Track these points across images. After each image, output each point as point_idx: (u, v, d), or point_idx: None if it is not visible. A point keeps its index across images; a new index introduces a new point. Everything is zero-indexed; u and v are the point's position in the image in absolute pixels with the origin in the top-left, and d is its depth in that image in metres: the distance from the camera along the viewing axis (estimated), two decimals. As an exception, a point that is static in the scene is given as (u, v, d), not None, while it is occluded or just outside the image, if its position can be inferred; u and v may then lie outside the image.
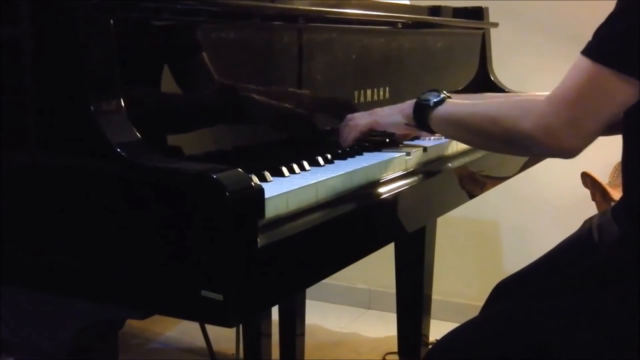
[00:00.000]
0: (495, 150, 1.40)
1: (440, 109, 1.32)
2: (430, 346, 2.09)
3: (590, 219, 1.43)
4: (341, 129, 1.44)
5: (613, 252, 1.21)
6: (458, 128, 1.32)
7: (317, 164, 1.25)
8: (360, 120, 1.42)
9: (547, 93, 1.16)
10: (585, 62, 1.11)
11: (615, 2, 1.14)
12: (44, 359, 1.06)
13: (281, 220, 1.02)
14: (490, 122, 1.22)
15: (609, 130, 1.15)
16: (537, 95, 1.25)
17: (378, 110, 1.43)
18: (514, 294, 1.31)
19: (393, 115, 1.41)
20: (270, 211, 1.00)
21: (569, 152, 1.13)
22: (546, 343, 1.14)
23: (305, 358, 2.17)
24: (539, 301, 1.21)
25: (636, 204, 1.20)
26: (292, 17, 1.34)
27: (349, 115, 1.44)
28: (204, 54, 1.16)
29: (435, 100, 1.33)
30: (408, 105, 1.38)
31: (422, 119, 1.34)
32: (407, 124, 1.38)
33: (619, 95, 1.09)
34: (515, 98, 1.28)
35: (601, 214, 1.41)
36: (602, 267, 1.21)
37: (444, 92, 1.34)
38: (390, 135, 1.48)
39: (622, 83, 1.08)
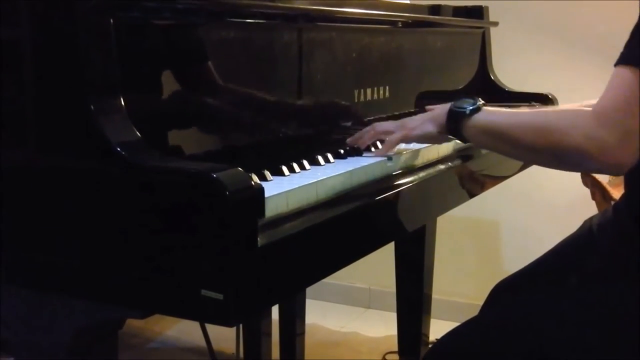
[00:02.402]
0: (542, 165, 1.26)
1: (478, 118, 1.25)
2: (430, 345, 2.10)
3: (591, 218, 1.43)
4: (368, 137, 1.39)
5: (614, 250, 1.21)
6: (499, 139, 1.24)
7: (317, 163, 1.25)
8: (393, 136, 1.35)
9: (592, 101, 1.12)
10: (628, 71, 1.07)
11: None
12: (44, 358, 1.06)
13: (281, 220, 1.02)
14: (534, 134, 1.16)
15: None
16: (581, 106, 1.22)
17: (408, 122, 1.36)
18: (513, 294, 1.31)
19: (424, 125, 1.34)
20: (271, 210, 1.00)
21: (623, 167, 1.10)
22: (545, 343, 1.14)
23: (305, 357, 2.17)
24: (538, 301, 1.21)
25: (638, 201, 1.19)
26: (292, 16, 1.34)
27: (376, 124, 1.39)
28: (204, 54, 1.16)
29: (471, 108, 1.26)
30: (440, 112, 1.32)
31: (456, 128, 1.28)
32: (439, 133, 1.32)
33: None
34: (560, 108, 1.22)
35: (602, 213, 1.41)
36: (602, 266, 1.21)
37: (480, 99, 1.28)
38: None
39: None
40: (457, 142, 1.41)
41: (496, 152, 1.32)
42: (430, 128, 1.33)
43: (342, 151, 1.34)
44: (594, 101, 1.28)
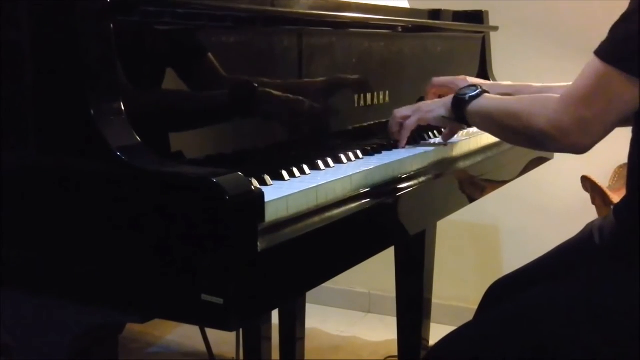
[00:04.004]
0: (521, 146, 1.45)
1: (475, 103, 1.37)
2: (430, 350, 2.09)
3: (592, 222, 1.43)
4: (392, 125, 1.50)
5: (614, 250, 1.22)
6: (488, 122, 1.36)
7: (317, 168, 1.25)
8: (410, 120, 1.46)
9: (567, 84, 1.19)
10: (596, 63, 1.14)
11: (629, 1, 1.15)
12: (44, 362, 1.06)
13: (281, 224, 1.02)
14: (512, 118, 1.27)
15: (623, 123, 1.19)
16: (556, 89, 1.35)
17: (423, 105, 1.48)
18: (510, 295, 1.31)
19: (437, 109, 1.45)
20: (271, 215, 1.00)
21: (579, 150, 1.17)
22: (544, 344, 1.14)
23: (305, 362, 2.17)
24: (536, 301, 1.21)
25: (635, 199, 1.20)
26: (292, 21, 1.34)
27: (395, 111, 1.49)
28: (204, 58, 1.16)
29: (471, 94, 1.38)
30: (449, 99, 1.43)
31: (459, 112, 1.39)
32: (447, 117, 1.43)
33: (627, 96, 1.11)
34: (536, 95, 1.33)
35: (602, 217, 1.41)
36: (601, 266, 1.21)
37: (481, 87, 1.39)
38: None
39: (629, 84, 1.10)
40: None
41: (491, 134, 1.44)
42: (442, 112, 1.44)
43: (342, 156, 1.34)
44: None
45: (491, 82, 1.73)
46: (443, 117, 1.44)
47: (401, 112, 1.49)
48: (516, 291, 1.31)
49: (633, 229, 1.20)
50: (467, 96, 1.38)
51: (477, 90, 1.38)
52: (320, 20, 1.41)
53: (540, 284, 1.27)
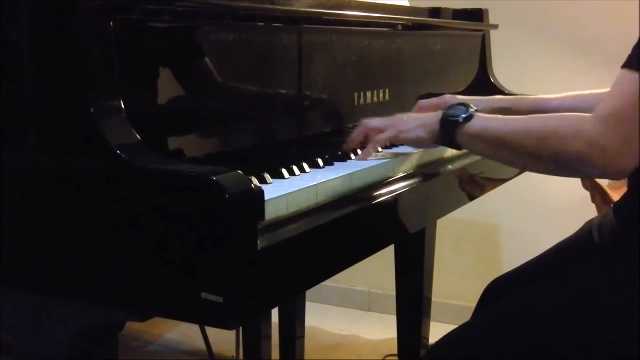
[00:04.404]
0: (541, 172, 1.24)
1: (472, 125, 1.23)
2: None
3: (591, 220, 1.43)
4: (356, 135, 1.36)
5: (613, 248, 1.21)
6: (496, 147, 1.22)
7: (317, 166, 1.25)
8: (381, 136, 1.33)
9: (588, 92, 1.09)
10: (631, 76, 1.07)
11: None
12: (44, 361, 1.06)
13: (281, 223, 1.02)
14: (537, 142, 1.15)
15: None
16: (554, 101, 1.21)
17: (399, 122, 1.33)
18: (509, 293, 1.31)
19: (416, 130, 1.30)
20: (270, 213, 1.00)
21: (623, 172, 1.09)
22: (544, 342, 1.14)
23: (305, 360, 2.18)
24: (536, 300, 1.21)
25: (636, 198, 1.19)
26: (292, 19, 1.34)
27: (365, 122, 1.36)
28: (204, 56, 1.16)
29: (464, 115, 1.24)
30: (433, 120, 1.28)
31: (449, 137, 1.26)
32: (431, 140, 1.30)
33: None
34: (558, 115, 1.19)
35: (602, 216, 1.41)
36: (600, 265, 1.21)
37: (472, 106, 1.26)
38: None
39: None
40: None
41: (493, 159, 1.30)
42: (422, 134, 1.30)
43: (342, 154, 1.34)
44: (590, 92, 1.28)
45: (480, 97, 1.57)
46: (429, 139, 1.29)
47: (372, 123, 1.34)
48: (515, 289, 1.30)
49: (633, 227, 1.20)
50: (461, 118, 1.24)
51: (470, 111, 1.24)
52: (321, 19, 1.41)
53: (539, 282, 1.26)
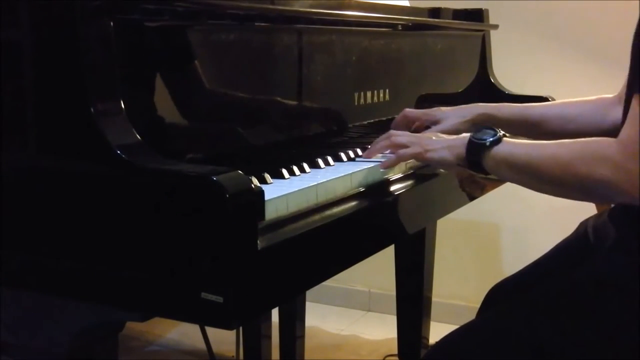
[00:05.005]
0: (568, 197, 1.21)
1: (500, 150, 1.21)
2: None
3: (586, 220, 1.43)
4: (380, 146, 1.34)
5: (610, 256, 1.21)
6: (522, 172, 1.21)
7: (317, 166, 1.25)
8: (405, 151, 1.30)
9: (580, 99, 1.09)
10: None
11: None
12: (44, 361, 1.06)
13: (281, 222, 1.02)
14: (563, 170, 1.13)
15: None
16: (583, 102, 1.20)
17: (425, 140, 1.30)
18: (509, 297, 1.31)
19: (441, 151, 1.27)
20: (270, 213, 1.00)
21: None
22: (543, 346, 1.14)
23: (305, 360, 2.18)
24: (535, 305, 1.20)
25: (633, 208, 1.19)
26: (292, 19, 1.34)
27: (393, 134, 1.34)
28: (204, 56, 1.16)
29: (491, 139, 1.21)
30: (459, 143, 1.26)
31: (476, 160, 1.23)
32: (456, 163, 1.26)
33: None
34: (585, 140, 1.14)
35: (596, 216, 1.41)
36: (599, 270, 1.21)
37: (500, 130, 1.23)
38: None
39: None
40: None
41: (519, 184, 1.27)
42: (448, 156, 1.27)
43: (342, 154, 1.34)
44: (576, 100, 1.27)
45: (465, 105, 1.53)
46: (455, 162, 1.26)
47: (398, 138, 1.32)
48: (516, 293, 1.30)
49: (629, 234, 1.19)
50: (488, 142, 1.21)
51: (498, 135, 1.22)
52: (320, 18, 1.41)
53: (539, 287, 1.26)
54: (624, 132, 1.07)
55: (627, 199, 1.09)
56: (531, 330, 1.16)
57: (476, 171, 1.26)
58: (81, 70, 0.95)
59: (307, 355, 2.19)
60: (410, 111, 1.51)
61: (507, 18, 2.25)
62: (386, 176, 1.30)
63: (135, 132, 0.96)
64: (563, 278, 1.24)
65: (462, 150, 1.25)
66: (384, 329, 2.68)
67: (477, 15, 2.03)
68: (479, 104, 1.52)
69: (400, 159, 1.31)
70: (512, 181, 1.28)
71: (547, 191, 1.23)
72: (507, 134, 1.24)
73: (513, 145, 1.21)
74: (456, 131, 1.39)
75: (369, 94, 1.54)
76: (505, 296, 1.38)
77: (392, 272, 2.11)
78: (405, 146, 1.30)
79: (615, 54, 1.12)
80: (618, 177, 1.06)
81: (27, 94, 1.00)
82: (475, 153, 1.23)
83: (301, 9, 1.37)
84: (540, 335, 1.15)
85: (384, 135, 1.35)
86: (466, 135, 1.26)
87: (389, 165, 1.31)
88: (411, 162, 1.38)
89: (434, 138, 1.31)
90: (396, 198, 1.24)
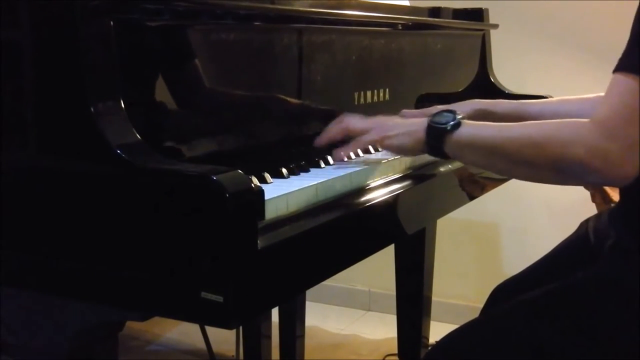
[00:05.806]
0: (540, 180, 1.18)
1: (462, 133, 1.17)
2: (430, 348, 2.10)
3: (586, 221, 1.42)
4: (334, 132, 1.30)
5: (609, 258, 1.21)
6: (489, 155, 1.16)
7: (318, 166, 1.25)
8: (365, 137, 1.26)
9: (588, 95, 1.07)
10: (629, 79, 1.04)
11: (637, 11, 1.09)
12: (44, 360, 1.06)
13: (281, 222, 1.02)
14: (534, 148, 1.10)
15: None
16: (579, 100, 1.19)
17: (382, 125, 1.26)
18: (511, 298, 1.31)
19: (400, 137, 1.23)
20: (270, 213, 1.00)
21: (627, 179, 1.04)
22: (544, 346, 1.14)
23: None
24: (536, 305, 1.21)
25: (633, 209, 1.19)
26: (292, 19, 1.34)
27: (346, 120, 1.29)
28: (204, 56, 1.16)
29: (452, 122, 1.17)
30: (418, 127, 1.22)
31: (436, 145, 1.19)
32: (416, 148, 1.23)
33: None
34: (555, 121, 1.13)
35: (596, 216, 1.41)
36: (599, 271, 1.21)
37: (458, 113, 1.19)
38: None
39: None
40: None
41: (485, 169, 1.23)
42: (407, 142, 1.23)
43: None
44: (575, 97, 1.26)
45: (458, 103, 1.50)
46: (414, 147, 1.23)
47: (354, 123, 1.27)
48: (517, 294, 1.30)
49: (629, 237, 1.19)
50: (449, 125, 1.17)
51: (457, 117, 1.17)
52: (321, 18, 1.40)
53: (539, 288, 1.26)
54: (600, 111, 1.05)
55: (601, 179, 1.08)
56: (531, 330, 1.16)
57: (437, 157, 1.23)
58: (81, 70, 0.95)
59: (307, 355, 2.19)
60: (407, 112, 1.51)
61: (507, 18, 2.25)
62: (386, 176, 1.30)
63: (135, 131, 0.96)
64: (563, 278, 1.25)
65: (421, 135, 1.21)
66: (384, 329, 2.68)
67: (477, 15, 2.03)
68: (476, 100, 1.51)
69: (357, 146, 1.27)
70: (477, 165, 1.25)
71: (517, 174, 1.19)
72: (467, 117, 1.21)
73: (476, 128, 1.17)
74: None
75: (369, 93, 1.54)
76: (508, 297, 1.38)
77: (392, 271, 2.11)
78: (362, 132, 1.26)
79: (615, 54, 1.11)
80: (592, 157, 1.03)
81: (27, 93, 1.00)
82: (436, 138, 1.19)
83: (301, 9, 1.37)
84: (541, 335, 1.15)
85: (337, 119, 1.30)
86: (424, 120, 1.22)
87: (345, 154, 1.26)
88: (410, 162, 1.38)
89: (390, 123, 1.26)
90: (396, 197, 1.24)
